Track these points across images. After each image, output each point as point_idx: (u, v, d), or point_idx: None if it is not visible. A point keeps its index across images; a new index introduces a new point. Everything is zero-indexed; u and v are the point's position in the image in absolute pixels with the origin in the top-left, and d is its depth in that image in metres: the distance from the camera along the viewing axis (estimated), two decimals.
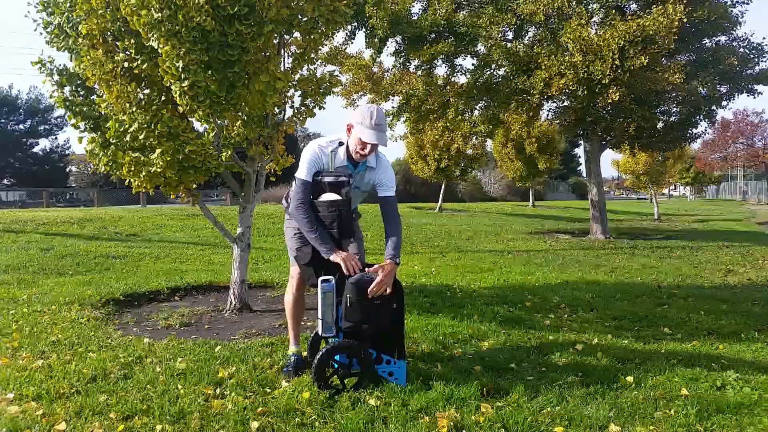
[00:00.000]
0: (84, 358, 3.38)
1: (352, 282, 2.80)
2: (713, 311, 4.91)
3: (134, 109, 4.04)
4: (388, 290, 2.87)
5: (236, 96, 3.96)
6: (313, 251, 2.99)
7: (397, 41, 12.00)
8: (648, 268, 7.75)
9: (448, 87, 12.87)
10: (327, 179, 2.96)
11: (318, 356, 2.83)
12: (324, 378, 2.82)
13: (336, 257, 2.86)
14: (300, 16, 4.16)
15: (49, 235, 9.41)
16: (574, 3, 10.92)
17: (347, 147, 3.02)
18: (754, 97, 12.64)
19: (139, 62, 4.00)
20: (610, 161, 35.82)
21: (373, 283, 2.82)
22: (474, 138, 19.55)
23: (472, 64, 12.18)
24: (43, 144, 43.62)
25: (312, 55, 4.44)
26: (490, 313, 4.62)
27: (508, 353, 3.55)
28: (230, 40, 3.69)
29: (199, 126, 4.74)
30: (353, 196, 3.07)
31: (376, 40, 11.54)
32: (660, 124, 12.60)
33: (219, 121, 4.50)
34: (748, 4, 11.46)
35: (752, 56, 11.59)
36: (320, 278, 2.84)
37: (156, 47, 3.72)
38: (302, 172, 2.99)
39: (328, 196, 2.94)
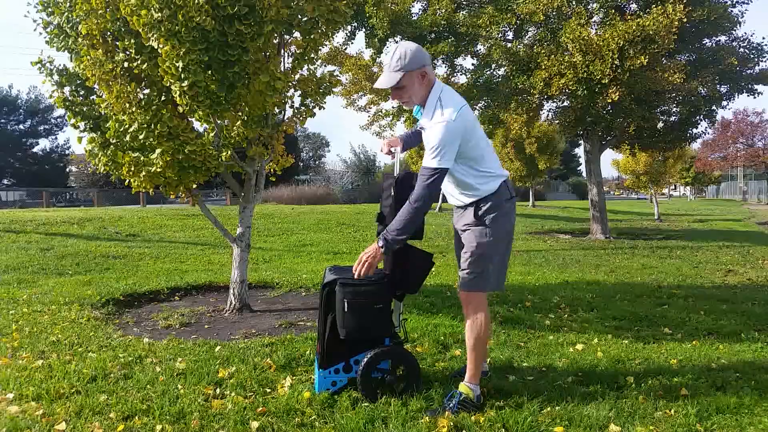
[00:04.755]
0: (84, 358, 3.38)
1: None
2: (713, 311, 4.91)
3: (134, 109, 4.03)
4: (362, 271, 2.62)
5: (236, 96, 3.96)
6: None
7: (397, 41, 12.00)
8: (648, 268, 7.75)
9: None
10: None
11: (361, 370, 2.74)
12: (372, 391, 2.74)
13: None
14: (300, 16, 4.16)
15: (49, 235, 9.41)
16: (573, 3, 10.92)
17: None
18: (754, 97, 12.65)
19: (139, 62, 4.00)
20: (610, 161, 35.81)
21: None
22: None
23: (472, 64, 12.20)
24: (43, 144, 43.72)
25: (312, 55, 4.44)
26: (490, 313, 4.62)
27: (508, 353, 3.55)
28: (230, 40, 3.69)
29: (199, 126, 4.74)
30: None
31: (376, 40, 11.54)
32: (660, 124, 12.60)
33: (219, 121, 4.50)
34: (748, 4, 11.47)
35: (752, 56, 11.59)
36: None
37: (156, 47, 3.72)
38: None
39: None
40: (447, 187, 2.83)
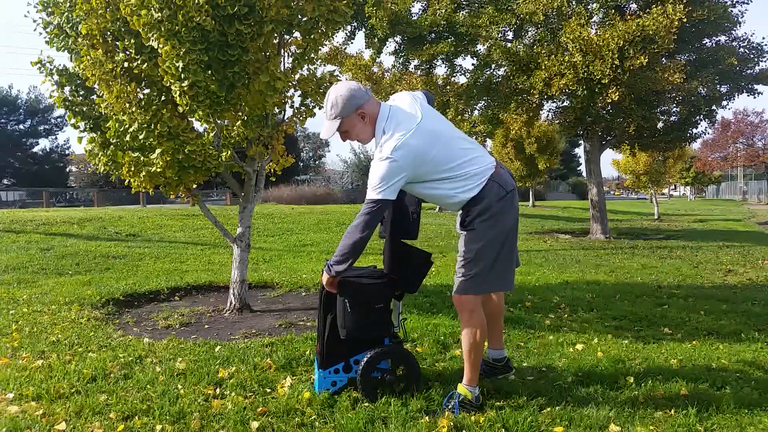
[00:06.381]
0: (84, 358, 3.38)
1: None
2: (713, 311, 4.91)
3: (134, 109, 4.04)
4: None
5: (236, 96, 3.96)
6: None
7: (396, 41, 12.01)
8: (648, 268, 7.75)
9: (448, 87, 12.88)
10: None
11: (361, 370, 2.75)
12: (372, 391, 2.75)
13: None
14: (300, 16, 4.16)
15: (49, 235, 9.41)
16: (573, 3, 10.93)
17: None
18: (754, 97, 12.67)
19: (139, 62, 4.00)
20: (610, 161, 35.83)
21: None
22: (474, 138, 19.53)
23: (472, 64, 12.19)
24: (43, 144, 43.72)
25: (312, 55, 4.44)
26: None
27: (508, 353, 3.54)
28: (230, 40, 3.69)
29: (199, 126, 4.75)
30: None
31: (376, 40, 11.56)
32: (660, 124, 12.61)
33: (219, 121, 4.50)
34: (748, 4, 11.48)
35: (752, 56, 11.60)
36: None
37: (156, 47, 3.72)
38: None
39: None
40: (432, 200, 2.76)
